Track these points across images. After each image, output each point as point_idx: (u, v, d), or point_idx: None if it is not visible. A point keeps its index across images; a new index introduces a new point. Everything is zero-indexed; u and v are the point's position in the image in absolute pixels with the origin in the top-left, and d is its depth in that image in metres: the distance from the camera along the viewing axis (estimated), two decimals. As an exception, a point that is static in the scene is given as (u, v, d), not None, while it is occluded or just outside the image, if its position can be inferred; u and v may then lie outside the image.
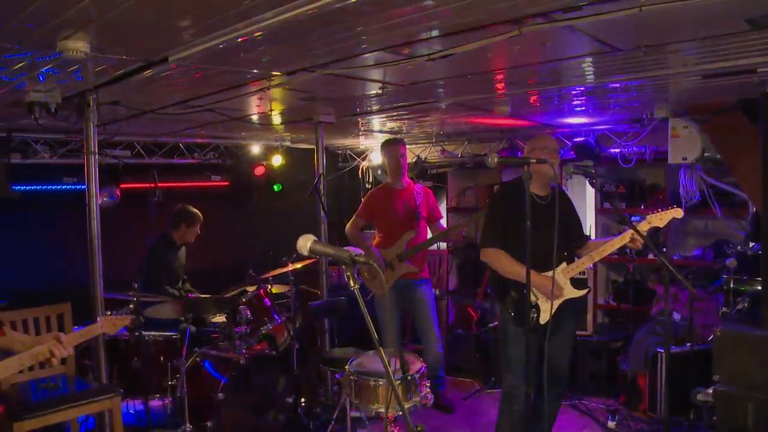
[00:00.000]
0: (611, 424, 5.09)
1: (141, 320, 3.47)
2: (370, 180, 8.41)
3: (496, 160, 3.28)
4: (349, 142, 7.92)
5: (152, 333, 4.98)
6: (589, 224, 6.66)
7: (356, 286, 2.06)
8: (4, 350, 2.45)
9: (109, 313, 3.10)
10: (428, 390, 4.21)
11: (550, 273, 3.67)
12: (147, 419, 4.51)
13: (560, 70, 3.73)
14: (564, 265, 3.85)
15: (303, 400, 5.06)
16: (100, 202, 4.27)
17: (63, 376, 4.15)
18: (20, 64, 3.23)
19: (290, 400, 4.95)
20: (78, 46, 2.76)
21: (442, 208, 7.39)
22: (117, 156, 6.39)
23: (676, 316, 5.55)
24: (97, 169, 4.23)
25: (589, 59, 3.37)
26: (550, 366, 3.59)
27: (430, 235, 5.63)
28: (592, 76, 3.89)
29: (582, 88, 4.35)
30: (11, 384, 3.95)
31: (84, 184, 4.25)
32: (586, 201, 6.85)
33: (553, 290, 3.62)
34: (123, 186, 6.43)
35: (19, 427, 3.46)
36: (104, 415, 4.17)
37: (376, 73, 3.71)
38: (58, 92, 3.97)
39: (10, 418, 3.52)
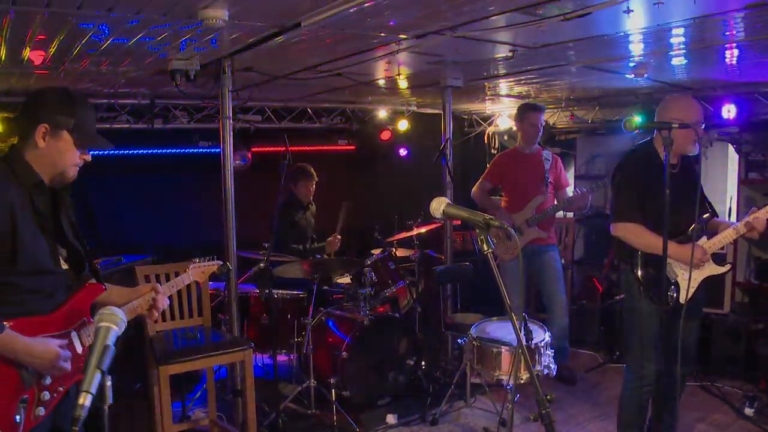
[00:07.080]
0: (749, 411, 4.73)
1: (228, 267, 3.45)
2: (496, 146, 8.24)
3: (634, 124, 3.09)
4: (475, 106, 7.80)
5: (280, 291, 5.21)
6: (730, 195, 6.21)
7: (489, 250, 2.01)
8: (101, 304, 2.46)
9: (197, 260, 3.13)
10: (551, 360, 4.15)
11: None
12: (275, 373, 4.74)
13: (707, 29, 3.45)
14: (704, 238, 3.51)
15: (423, 363, 5.12)
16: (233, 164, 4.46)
17: (200, 328, 4.41)
18: (164, 35, 3.41)
19: (411, 362, 5.02)
20: (216, 14, 2.89)
21: (570, 175, 7.16)
22: (249, 120, 6.64)
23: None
24: (232, 133, 4.39)
25: (741, 14, 3.09)
26: (681, 346, 3.39)
27: (556, 202, 5.48)
28: (742, 33, 3.57)
29: (732, 50, 4.01)
30: (156, 331, 4.26)
31: (218, 148, 4.44)
32: (727, 170, 6.38)
33: (693, 259, 3.28)
34: (254, 149, 6.71)
35: (163, 370, 3.75)
36: (236, 366, 4.42)
37: (506, 36, 3.61)
38: (197, 60, 4.17)
39: (156, 362, 3.82)
